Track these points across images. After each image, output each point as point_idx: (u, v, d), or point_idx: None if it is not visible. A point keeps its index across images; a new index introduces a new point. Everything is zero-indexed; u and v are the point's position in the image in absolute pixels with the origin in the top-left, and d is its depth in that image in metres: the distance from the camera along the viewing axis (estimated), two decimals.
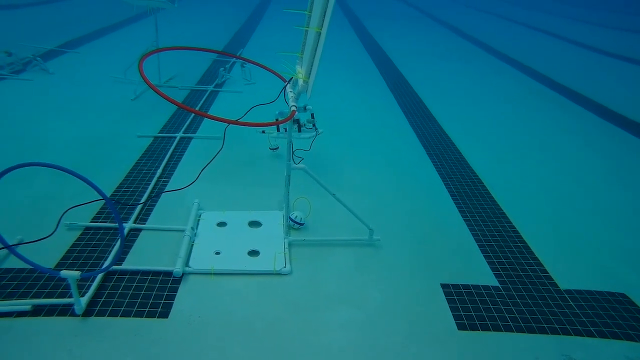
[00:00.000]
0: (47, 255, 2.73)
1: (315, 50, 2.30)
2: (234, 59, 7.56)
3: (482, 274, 2.88)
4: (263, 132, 3.99)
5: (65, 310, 2.34)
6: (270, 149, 4.23)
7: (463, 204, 3.69)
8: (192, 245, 2.91)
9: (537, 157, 4.74)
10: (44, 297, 2.41)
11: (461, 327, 2.43)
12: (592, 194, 4.04)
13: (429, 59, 8.84)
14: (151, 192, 3.52)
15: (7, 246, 2.25)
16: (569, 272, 2.94)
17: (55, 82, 6.02)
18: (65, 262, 2.71)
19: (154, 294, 2.50)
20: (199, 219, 3.19)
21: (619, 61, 10.28)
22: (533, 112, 6.26)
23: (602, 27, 15.81)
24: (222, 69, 6.48)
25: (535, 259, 3.06)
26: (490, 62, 9.07)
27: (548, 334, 2.42)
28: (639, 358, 2.31)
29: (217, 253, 2.85)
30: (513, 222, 3.48)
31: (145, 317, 2.35)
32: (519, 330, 2.43)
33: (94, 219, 3.12)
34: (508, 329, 2.44)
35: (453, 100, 6.51)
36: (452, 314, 2.51)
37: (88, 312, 2.34)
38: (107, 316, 2.34)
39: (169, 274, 2.65)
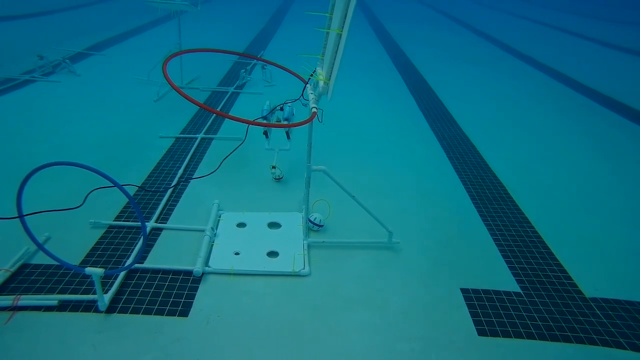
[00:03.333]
0: (72, 252, 2.80)
1: (336, 52, 2.30)
2: (255, 61, 7.62)
3: (503, 280, 2.82)
4: (265, 133, 3.80)
5: (90, 307, 2.39)
6: (275, 178, 3.75)
7: (484, 208, 3.63)
8: (212, 245, 2.94)
9: (561, 162, 4.64)
10: (69, 293, 2.48)
11: (481, 332, 2.39)
12: (619, 200, 3.92)
13: (452, 62, 8.73)
14: (176, 184, 3.58)
15: (37, 244, 2.32)
16: (594, 280, 2.86)
17: (82, 83, 6.18)
18: (90, 259, 2.78)
19: (174, 293, 2.54)
20: (218, 220, 3.22)
21: None
22: (558, 115, 6.12)
23: (633, 25, 15.37)
24: (243, 70, 6.55)
25: (559, 265, 2.99)
26: (515, 65, 8.91)
27: (573, 342, 2.36)
28: None
29: (237, 253, 2.88)
30: (535, 227, 3.40)
31: (165, 315, 2.39)
32: (542, 337, 2.38)
33: (117, 218, 3.19)
34: (530, 336, 2.38)
35: (475, 103, 6.42)
36: (472, 319, 2.47)
37: (111, 309, 2.39)
38: (129, 313, 2.38)
39: (189, 273, 2.68)
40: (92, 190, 2.50)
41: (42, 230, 2.88)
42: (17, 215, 2.19)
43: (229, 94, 6.10)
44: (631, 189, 4.14)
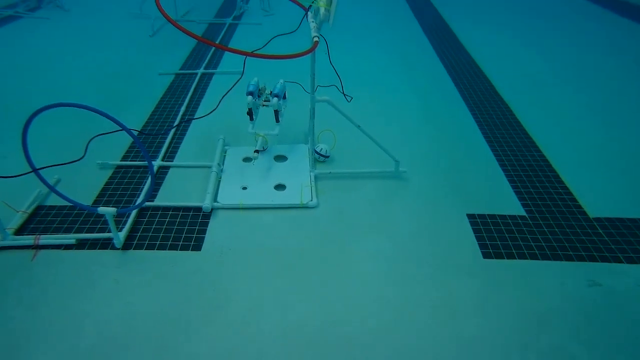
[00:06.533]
0: (84, 193, 2.85)
1: None
2: None
3: (508, 204, 2.86)
4: (250, 113, 2.98)
5: (106, 244, 2.48)
6: (256, 151, 3.06)
7: (491, 133, 3.60)
8: (220, 180, 2.97)
9: (573, 83, 4.50)
10: (85, 232, 2.56)
11: (486, 255, 2.47)
12: (626, 121, 3.84)
13: None
14: (177, 126, 3.56)
15: (50, 188, 2.38)
16: (599, 201, 2.88)
17: (72, 19, 5.94)
18: (101, 199, 2.84)
19: (186, 229, 2.61)
20: (224, 155, 3.23)
21: None
22: (575, 31, 5.85)
23: None
24: None
25: (565, 188, 3.01)
26: None
27: (574, 260, 2.44)
28: None
29: (244, 188, 2.91)
30: (543, 151, 3.38)
31: (179, 249, 2.47)
32: (545, 257, 2.45)
33: (124, 158, 3.21)
34: (533, 256, 2.46)
35: (483, 24, 6.13)
36: (478, 243, 2.54)
37: (127, 246, 2.48)
38: (145, 249, 2.47)
39: (198, 209, 2.74)
40: (92, 138, 2.50)
41: (51, 173, 2.92)
42: (30, 170, 2.24)
43: (226, 25, 5.85)
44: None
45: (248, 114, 2.88)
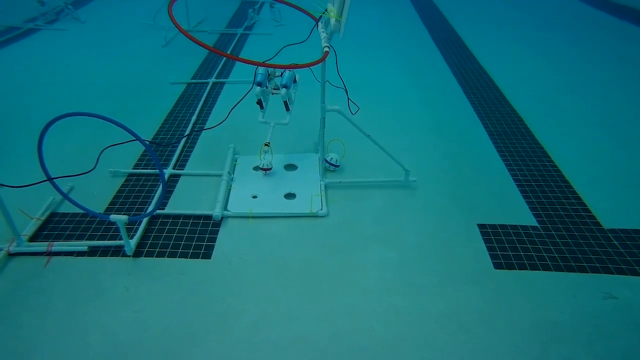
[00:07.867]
0: (96, 200, 2.88)
1: None
2: None
3: (520, 214, 2.83)
4: (259, 103, 2.91)
5: (117, 252, 2.50)
6: (262, 169, 3.14)
7: (502, 143, 3.57)
8: (230, 189, 2.99)
9: (584, 93, 4.46)
10: (97, 239, 2.59)
11: (497, 266, 2.44)
12: (639, 131, 3.80)
13: None
14: (188, 136, 3.60)
15: (64, 195, 2.42)
16: (614, 212, 2.83)
17: (88, 30, 6.06)
18: (113, 207, 2.87)
19: (196, 237, 2.62)
20: (235, 164, 3.25)
21: None
22: (586, 41, 5.80)
23: None
24: (250, 10, 6.31)
25: (578, 198, 2.97)
26: None
27: (588, 272, 2.39)
28: None
29: (254, 197, 2.92)
30: (555, 161, 3.35)
31: (189, 257, 2.48)
32: (558, 269, 2.42)
33: (136, 166, 3.24)
34: (546, 268, 2.42)
35: (493, 34, 6.12)
36: (489, 254, 2.51)
37: (137, 253, 2.50)
38: (155, 257, 2.48)
39: (209, 217, 2.75)
40: (104, 149, 2.54)
41: (65, 180, 2.95)
42: (45, 179, 2.27)
43: (237, 35, 5.92)
44: None
45: (257, 103, 2.85)
